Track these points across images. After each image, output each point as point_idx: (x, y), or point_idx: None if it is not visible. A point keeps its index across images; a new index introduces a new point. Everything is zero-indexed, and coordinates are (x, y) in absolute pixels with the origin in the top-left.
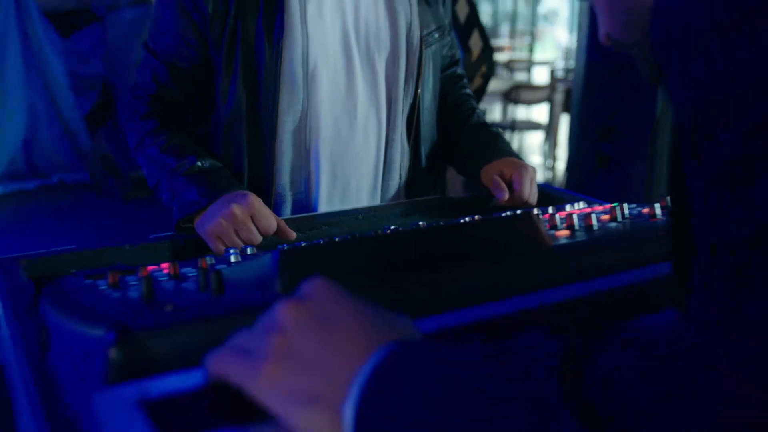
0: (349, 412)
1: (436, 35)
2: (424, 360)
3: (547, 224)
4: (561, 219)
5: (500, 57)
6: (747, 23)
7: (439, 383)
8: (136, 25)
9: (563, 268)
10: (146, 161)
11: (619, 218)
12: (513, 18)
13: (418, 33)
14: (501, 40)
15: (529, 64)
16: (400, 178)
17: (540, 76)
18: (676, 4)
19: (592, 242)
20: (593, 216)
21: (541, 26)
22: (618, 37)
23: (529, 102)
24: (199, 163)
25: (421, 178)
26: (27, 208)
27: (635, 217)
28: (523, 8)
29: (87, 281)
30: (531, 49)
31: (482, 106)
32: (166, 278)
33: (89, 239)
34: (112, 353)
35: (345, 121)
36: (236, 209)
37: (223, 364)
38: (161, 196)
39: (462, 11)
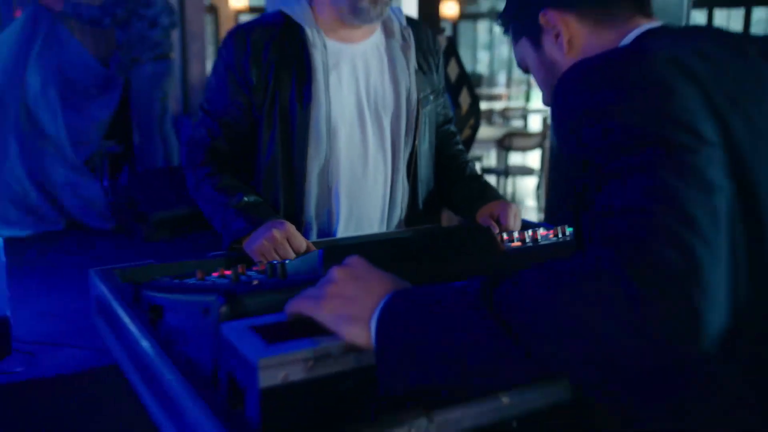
0: (373, 327)
1: (431, 97)
2: (411, 297)
3: (506, 237)
4: (517, 235)
5: (496, 105)
6: (592, 117)
7: (420, 307)
8: (156, 78)
9: (513, 265)
10: (203, 198)
11: (560, 236)
12: (509, 67)
13: (416, 96)
14: (498, 89)
15: (524, 112)
16: (402, 211)
17: (535, 124)
18: (561, 97)
19: (535, 248)
20: (539, 232)
21: None
22: (546, 103)
23: (523, 148)
24: (245, 199)
25: (419, 211)
26: (54, 247)
27: (572, 235)
28: None
29: (176, 280)
30: (527, 98)
31: (478, 152)
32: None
33: None
34: (224, 309)
35: (359, 166)
36: (276, 233)
37: (299, 306)
38: (214, 224)
39: (453, 72)
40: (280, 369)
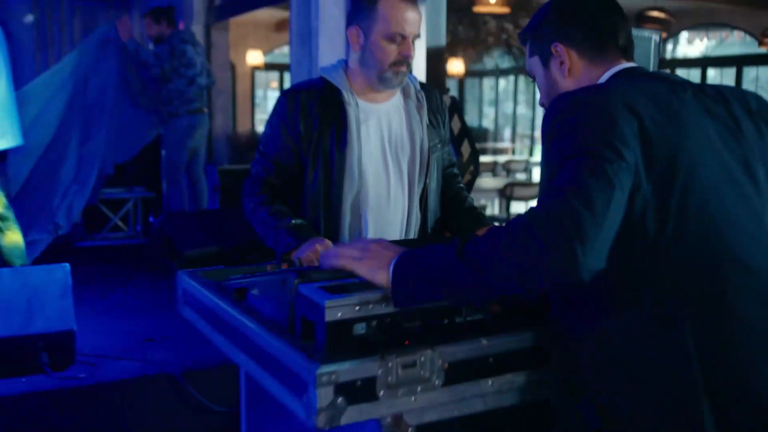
0: (390, 273)
1: (439, 146)
2: (413, 254)
3: None
4: None
5: (500, 158)
6: (560, 133)
7: (417, 258)
8: (188, 130)
9: None
10: (258, 221)
11: None
12: (514, 122)
13: (427, 145)
14: (503, 143)
15: (527, 165)
16: (414, 234)
17: (538, 175)
18: (547, 118)
19: None
20: None
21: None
22: (543, 103)
23: (525, 198)
24: (293, 222)
25: (428, 234)
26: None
27: None
28: (523, 111)
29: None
30: (530, 151)
31: (482, 201)
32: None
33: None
34: (297, 280)
35: (383, 198)
36: (318, 247)
37: (339, 261)
38: (267, 241)
39: (456, 126)
40: (338, 310)
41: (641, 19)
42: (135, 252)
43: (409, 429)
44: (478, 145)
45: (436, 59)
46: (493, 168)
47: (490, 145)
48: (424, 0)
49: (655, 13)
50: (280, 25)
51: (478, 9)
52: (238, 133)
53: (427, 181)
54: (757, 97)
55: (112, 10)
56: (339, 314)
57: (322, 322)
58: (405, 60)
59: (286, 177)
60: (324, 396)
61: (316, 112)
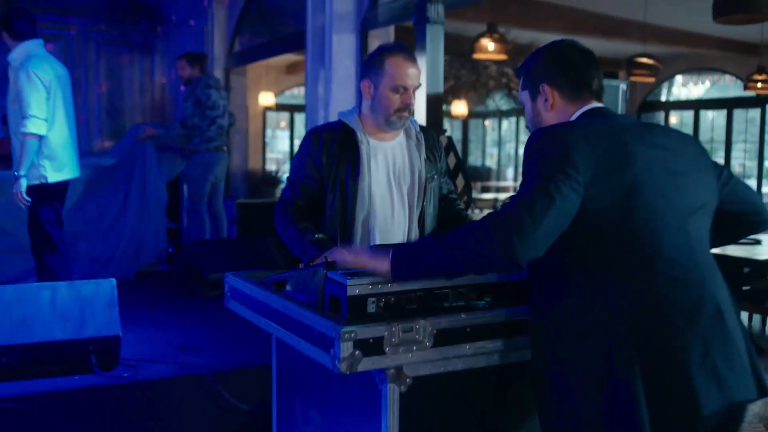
0: (389, 264)
1: (435, 177)
2: (405, 246)
3: None
4: None
5: (501, 196)
6: (531, 159)
7: (409, 248)
8: (208, 166)
9: None
10: (287, 235)
11: None
12: (516, 162)
13: (425, 176)
14: (506, 182)
15: None
16: None
17: None
18: (526, 146)
19: None
20: None
21: None
22: (528, 127)
23: None
24: (317, 236)
25: None
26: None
27: None
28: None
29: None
30: None
31: None
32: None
33: (172, 320)
34: (324, 270)
35: (388, 217)
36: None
37: (348, 257)
38: (294, 251)
39: (451, 162)
40: (356, 287)
41: (631, 65)
42: (161, 277)
43: (408, 380)
44: (481, 184)
45: (434, 104)
46: (494, 205)
47: (493, 183)
48: (425, 54)
49: (644, 60)
50: (291, 68)
51: (477, 56)
52: (252, 170)
53: (424, 204)
54: (680, 133)
55: (137, 53)
56: (357, 290)
57: (345, 297)
58: (407, 107)
59: (311, 200)
60: (346, 349)
61: (335, 148)
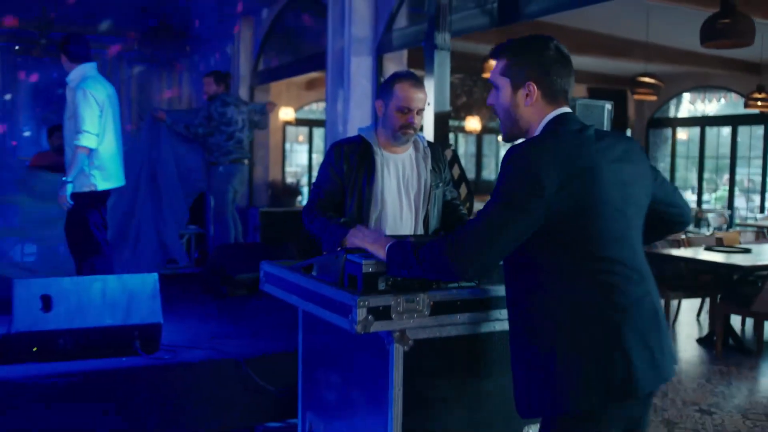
0: (386, 250)
1: (440, 185)
2: (398, 243)
3: None
4: None
5: None
6: (502, 174)
7: (399, 247)
8: (228, 176)
9: None
10: (317, 225)
11: None
12: None
13: (429, 183)
14: None
15: None
16: None
17: None
18: (503, 162)
19: None
20: None
21: None
22: (491, 104)
23: None
24: (342, 220)
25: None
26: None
27: None
28: None
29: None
30: None
31: None
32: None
33: (198, 316)
34: (344, 255)
35: (397, 218)
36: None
37: (358, 241)
38: (323, 237)
39: (456, 173)
40: (369, 266)
41: (634, 84)
42: (188, 279)
43: (410, 341)
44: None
45: (441, 121)
46: None
47: None
48: (433, 76)
49: (645, 79)
50: (310, 84)
51: (487, 75)
52: (273, 181)
53: (429, 208)
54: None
55: (165, 71)
56: (370, 269)
57: (361, 274)
58: (410, 125)
59: (333, 201)
60: (361, 314)
61: (354, 159)
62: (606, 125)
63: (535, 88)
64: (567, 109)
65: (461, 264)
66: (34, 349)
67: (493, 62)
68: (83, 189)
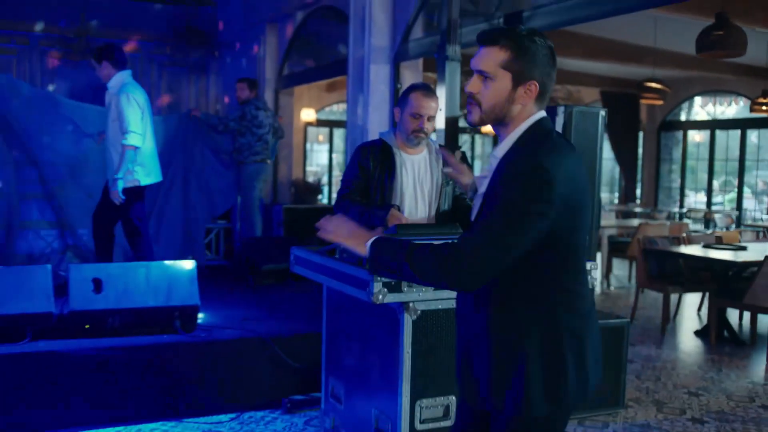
0: (368, 247)
1: (450, 182)
2: (383, 240)
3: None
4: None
5: None
6: (511, 182)
7: (385, 243)
8: (256, 173)
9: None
10: (354, 211)
11: None
12: None
13: (441, 181)
14: None
15: None
16: None
17: None
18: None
19: None
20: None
21: None
22: (468, 91)
23: None
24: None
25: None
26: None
27: None
28: None
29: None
30: None
31: None
32: None
33: (228, 304)
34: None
35: (413, 210)
36: (394, 210)
37: (330, 236)
38: (363, 219)
39: None
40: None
41: (641, 89)
42: (216, 270)
43: (418, 311)
44: None
45: (451, 125)
46: None
47: None
48: (445, 85)
49: (652, 84)
50: (331, 86)
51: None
52: (296, 179)
53: (440, 202)
54: None
55: (194, 74)
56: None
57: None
58: (421, 130)
59: (359, 194)
60: (377, 287)
61: (377, 158)
62: (600, 132)
63: (537, 87)
64: (542, 113)
65: (459, 278)
66: (87, 326)
67: (485, 49)
68: (128, 185)
